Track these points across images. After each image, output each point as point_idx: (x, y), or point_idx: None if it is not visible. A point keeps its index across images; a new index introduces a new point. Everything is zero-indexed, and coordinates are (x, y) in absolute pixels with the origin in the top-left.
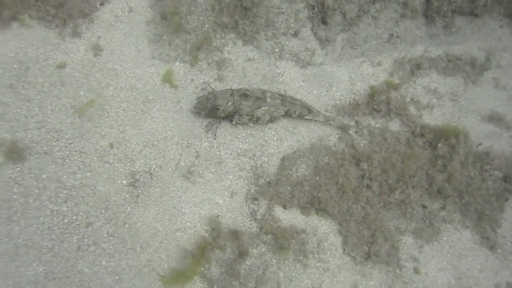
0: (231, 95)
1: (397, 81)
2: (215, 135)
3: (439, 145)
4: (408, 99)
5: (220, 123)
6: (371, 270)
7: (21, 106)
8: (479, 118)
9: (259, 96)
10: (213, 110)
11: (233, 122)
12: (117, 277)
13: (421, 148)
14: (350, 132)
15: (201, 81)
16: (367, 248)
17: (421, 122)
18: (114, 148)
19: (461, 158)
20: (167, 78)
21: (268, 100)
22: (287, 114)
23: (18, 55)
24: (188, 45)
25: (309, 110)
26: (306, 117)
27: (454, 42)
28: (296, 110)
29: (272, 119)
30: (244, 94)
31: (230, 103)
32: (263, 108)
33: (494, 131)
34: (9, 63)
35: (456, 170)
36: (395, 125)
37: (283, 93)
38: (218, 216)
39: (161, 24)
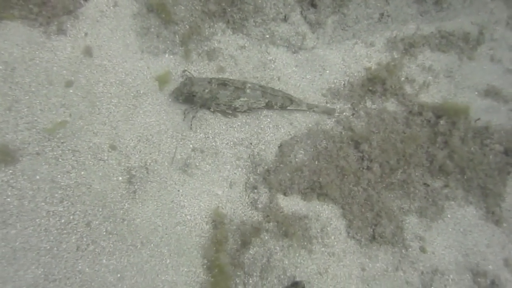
0: (208, 82)
1: (390, 61)
2: (191, 123)
3: (440, 121)
4: (403, 78)
5: (197, 111)
6: (377, 252)
7: (10, 107)
8: (476, 93)
9: (238, 86)
10: (189, 96)
11: (211, 110)
12: (118, 275)
13: (419, 127)
14: (336, 114)
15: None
16: (372, 230)
17: (417, 100)
18: (116, 151)
19: (460, 134)
20: (165, 79)
21: (248, 91)
22: (268, 106)
23: (3, 56)
24: (177, 36)
25: (291, 100)
26: (288, 107)
27: (446, 18)
28: (277, 102)
29: (251, 109)
30: (223, 83)
31: (206, 91)
32: (242, 99)
33: (492, 106)
34: None
35: (457, 147)
36: (391, 105)
37: (264, 84)
38: (218, 207)
39: (147, 17)
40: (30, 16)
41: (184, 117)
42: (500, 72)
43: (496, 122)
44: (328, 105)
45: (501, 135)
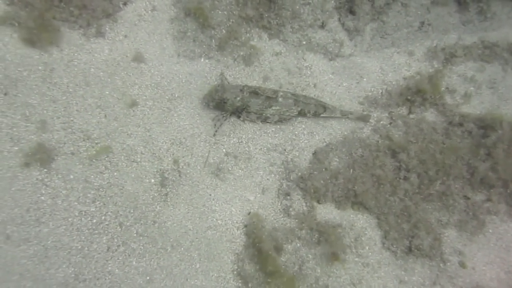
0: (240, 90)
1: (430, 70)
2: (216, 129)
3: (484, 133)
4: (443, 88)
5: (226, 118)
6: (414, 265)
7: (47, 107)
8: None
9: (270, 95)
10: (220, 103)
11: (241, 118)
12: (148, 278)
13: (460, 138)
14: (373, 123)
15: (219, 71)
16: (408, 242)
17: (458, 111)
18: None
19: (504, 147)
20: None
21: (280, 100)
22: (300, 114)
23: (42, 57)
24: (213, 40)
25: (324, 108)
26: (322, 115)
27: (489, 28)
28: (310, 110)
29: (282, 119)
30: (255, 92)
31: (238, 98)
32: (273, 108)
33: None
34: (34, 65)
35: (500, 158)
36: (431, 115)
37: (296, 92)
38: (249, 213)
39: (184, 21)
40: (71, 18)
41: (214, 123)
42: None
43: None
44: (364, 112)
45: None
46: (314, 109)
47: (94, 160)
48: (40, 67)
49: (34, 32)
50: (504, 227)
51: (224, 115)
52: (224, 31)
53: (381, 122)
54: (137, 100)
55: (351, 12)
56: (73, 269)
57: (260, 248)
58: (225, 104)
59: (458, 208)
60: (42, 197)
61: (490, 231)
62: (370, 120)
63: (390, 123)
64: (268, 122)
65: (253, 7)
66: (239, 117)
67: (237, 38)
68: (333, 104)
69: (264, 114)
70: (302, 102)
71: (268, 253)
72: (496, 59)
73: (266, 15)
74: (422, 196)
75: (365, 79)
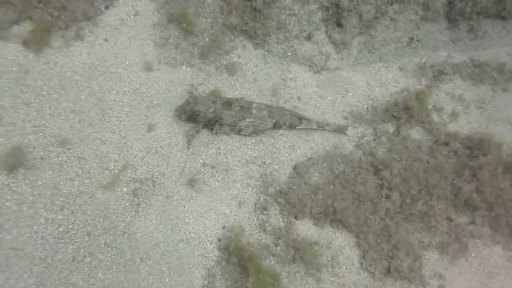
0: (213, 102)
1: (418, 87)
2: (189, 143)
3: (471, 153)
4: (430, 106)
5: (199, 131)
6: (392, 287)
7: (19, 110)
8: (509, 126)
9: (244, 105)
10: (192, 115)
11: (214, 131)
12: None
13: (445, 157)
14: (353, 136)
15: (190, 83)
16: (387, 263)
17: (445, 130)
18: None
19: (490, 168)
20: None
21: (254, 111)
22: (275, 126)
23: (18, 58)
24: (196, 48)
25: (300, 119)
26: (298, 127)
27: (480, 47)
28: (285, 121)
29: (256, 131)
30: (228, 103)
31: (210, 110)
32: (247, 120)
33: None
34: (8, 65)
35: (486, 180)
36: (416, 133)
37: (272, 104)
38: (224, 227)
39: (167, 27)
40: (49, 19)
41: (186, 136)
42: None
43: None
44: (341, 124)
45: None
46: (289, 121)
47: (64, 166)
48: (14, 69)
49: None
50: (487, 251)
51: (197, 128)
52: (207, 39)
53: (365, 138)
54: (113, 106)
55: (339, 24)
56: (34, 279)
57: (241, 257)
58: (197, 116)
59: (441, 230)
60: (7, 203)
61: (473, 255)
62: (351, 135)
63: (374, 140)
64: (242, 134)
65: (238, 15)
66: (211, 129)
67: (220, 46)
68: (310, 116)
69: (238, 126)
70: (277, 114)
71: (251, 258)
72: (486, 79)
73: (251, 24)
74: (404, 215)
75: (350, 94)
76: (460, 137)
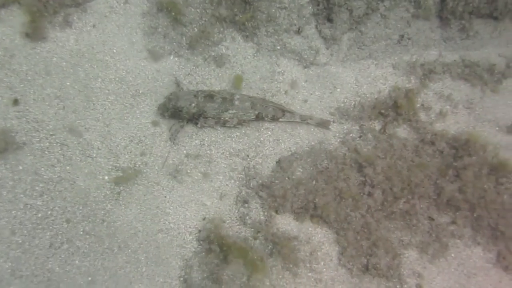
0: (194, 96)
1: (407, 85)
2: (175, 138)
3: (456, 153)
4: (418, 105)
5: (182, 126)
6: (369, 284)
7: (2, 94)
8: (497, 128)
9: (226, 97)
10: (175, 111)
11: (198, 125)
12: (89, 278)
13: (430, 157)
14: (330, 127)
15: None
16: (366, 260)
17: (432, 129)
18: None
19: (475, 169)
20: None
21: (236, 103)
22: (258, 118)
23: (3, 42)
24: (184, 38)
25: (283, 111)
26: (281, 119)
27: (471, 47)
28: (268, 113)
29: (241, 122)
30: (210, 96)
31: (193, 105)
32: (230, 111)
33: None
34: None
35: (469, 181)
36: (403, 132)
37: (259, 96)
38: (204, 218)
39: (156, 17)
40: (38, 4)
41: (170, 132)
42: None
43: None
44: (324, 118)
45: None
46: (272, 113)
47: (46, 152)
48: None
49: None
50: (467, 252)
51: (181, 123)
52: (196, 30)
53: (351, 135)
54: (98, 94)
55: (329, 19)
56: (10, 264)
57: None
58: (180, 113)
59: (421, 229)
60: None
61: (453, 255)
62: (336, 131)
63: (360, 136)
64: (227, 126)
65: (227, 7)
66: (196, 123)
67: (209, 37)
68: (295, 109)
69: (222, 118)
70: (259, 105)
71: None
72: (475, 79)
73: (241, 16)
74: (385, 213)
75: (338, 90)
76: (446, 137)
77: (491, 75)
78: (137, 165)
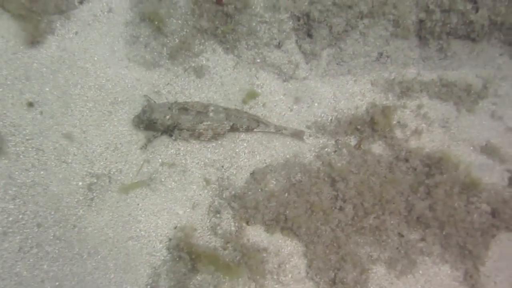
0: (169, 108)
1: (384, 102)
2: (146, 147)
3: (429, 171)
4: (395, 122)
5: (156, 137)
6: None
7: None
8: (471, 148)
9: (200, 110)
10: (150, 123)
11: (173, 137)
12: (57, 283)
13: (403, 173)
14: (304, 138)
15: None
16: (333, 274)
17: (407, 146)
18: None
19: (446, 187)
20: (251, 96)
21: (211, 114)
22: (233, 129)
23: None
24: (165, 48)
25: (258, 122)
26: (255, 130)
27: (449, 67)
28: (243, 124)
29: (216, 136)
30: (184, 108)
31: (168, 117)
32: (205, 123)
33: (486, 163)
34: None
35: (440, 199)
36: (378, 148)
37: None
38: (175, 227)
39: (139, 26)
40: (21, 11)
41: (145, 144)
42: (501, 130)
43: (488, 180)
44: (298, 128)
45: (491, 195)
46: (247, 124)
47: (21, 157)
48: None
49: None
50: (435, 269)
51: (156, 135)
52: (177, 40)
53: (326, 149)
54: (77, 100)
55: (309, 35)
56: None
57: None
58: (155, 124)
59: (391, 245)
60: None
61: (420, 272)
62: (312, 145)
63: (335, 151)
64: (202, 140)
65: (209, 19)
66: (171, 135)
67: (190, 49)
68: (268, 119)
69: (196, 130)
70: (234, 117)
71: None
72: (452, 98)
73: (222, 29)
74: (355, 228)
75: (316, 104)
76: (420, 155)
77: (468, 95)
78: (112, 172)
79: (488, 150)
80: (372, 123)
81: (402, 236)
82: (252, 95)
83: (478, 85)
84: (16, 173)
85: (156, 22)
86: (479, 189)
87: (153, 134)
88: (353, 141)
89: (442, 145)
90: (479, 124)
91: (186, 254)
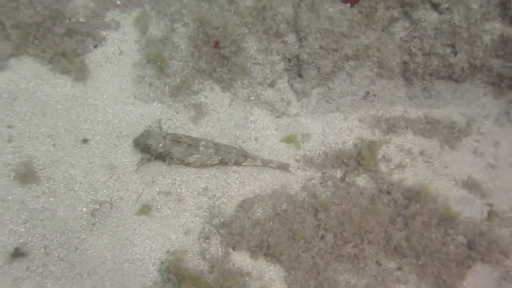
0: (163, 137)
1: (371, 138)
2: (138, 167)
3: (407, 203)
4: (379, 156)
5: (149, 161)
6: None
7: (2, 132)
8: (453, 182)
9: (191, 144)
10: (145, 147)
11: (166, 162)
12: None
13: (384, 205)
14: (293, 170)
15: (158, 118)
16: None
17: (390, 180)
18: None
19: (424, 219)
20: (292, 140)
21: (201, 149)
22: (222, 163)
23: (9, 86)
24: (167, 87)
25: (245, 156)
26: (243, 164)
27: (434, 106)
28: (231, 158)
29: (204, 166)
30: (177, 140)
31: (160, 145)
32: (194, 156)
33: (467, 197)
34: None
35: (416, 230)
36: (362, 181)
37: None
38: (168, 251)
39: (145, 67)
40: (42, 55)
41: (138, 165)
42: (482, 166)
43: (467, 214)
44: (283, 161)
45: (468, 227)
46: (235, 158)
47: (34, 184)
48: (4, 95)
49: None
50: None
51: (149, 158)
52: (178, 80)
53: (312, 181)
54: (86, 134)
55: (300, 75)
56: None
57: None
58: (149, 149)
59: (368, 273)
60: None
61: None
62: (299, 177)
63: (321, 183)
64: (191, 166)
65: (207, 61)
66: (164, 160)
67: (189, 87)
68: (264, 155)
69: (186, 161)
70: (223, 152)
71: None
72: (436, 135)
73: (219, 70)
74: (334, 256)
75: (306, 139)
76: (402, 188)
77: (451, 133)
78: (114, 199)
79: (469, 184)
80: (358, 157)
81: (380, 264)
82: (292, 138)
83: (462, 123)
84: (29, 199)
85: (159, 63)
86: (457, 221)
87: (147, 157)
88: (339, 174)
89: (425, 179)
90: (461, 160)
91: (174, 276)
